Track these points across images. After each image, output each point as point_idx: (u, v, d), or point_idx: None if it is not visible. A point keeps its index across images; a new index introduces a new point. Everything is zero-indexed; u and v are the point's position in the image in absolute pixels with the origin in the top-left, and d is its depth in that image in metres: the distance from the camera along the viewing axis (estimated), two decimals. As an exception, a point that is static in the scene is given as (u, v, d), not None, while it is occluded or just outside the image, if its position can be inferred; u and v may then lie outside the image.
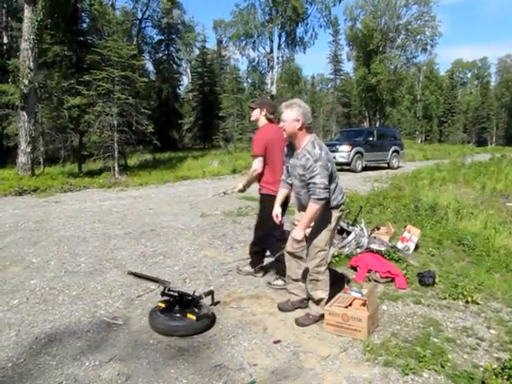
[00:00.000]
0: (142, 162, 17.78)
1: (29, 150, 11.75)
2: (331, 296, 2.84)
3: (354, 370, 2.23)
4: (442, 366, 2.25)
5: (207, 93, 30.11)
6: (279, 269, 3.44)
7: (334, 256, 3.99)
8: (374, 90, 33.07)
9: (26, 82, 11.37)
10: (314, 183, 2.55)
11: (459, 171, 12.23)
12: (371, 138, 15.32)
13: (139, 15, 30.55)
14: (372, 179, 11.22)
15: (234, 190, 3.80)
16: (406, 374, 2.18)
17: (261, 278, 3.64)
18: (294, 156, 2.76)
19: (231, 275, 3.73)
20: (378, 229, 4.83)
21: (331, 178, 2.64)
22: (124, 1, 36.13)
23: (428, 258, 4.27)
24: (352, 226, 4.66)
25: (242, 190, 3.72)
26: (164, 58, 32.20)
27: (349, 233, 4.46)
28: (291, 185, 2.95)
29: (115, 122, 12.59)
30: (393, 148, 15.81)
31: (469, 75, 62.47)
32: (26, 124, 11.65)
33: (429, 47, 34.23)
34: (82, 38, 15.34)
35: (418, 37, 33.71)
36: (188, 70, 38.43)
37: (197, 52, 33.76)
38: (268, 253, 3.72)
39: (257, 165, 3.43)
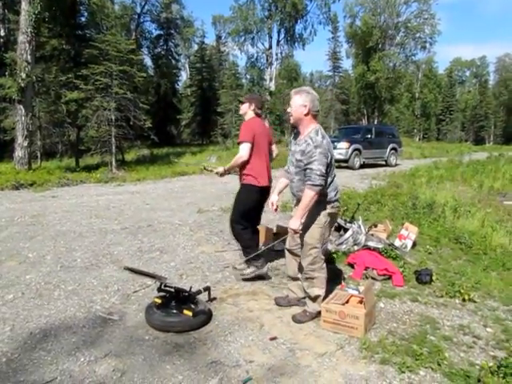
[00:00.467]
0: (140, 158, 17.73)
1: (26, 144, 11.67)
2: (328, 293, 2.83)
3: (350, 367, 2.23)
4: (439, 364, 2.25)
5: (206, 88, 30.05)
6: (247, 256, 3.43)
7: (331, 253, 3.99)
8: (372, 88, 33.04)
9: (24, 75, 11.27)
10: (311, 169, 2.54)
11: (457, 169, 12.26)
12: (369, 136, 15.33)
13: (138, 9, 30.39)
14: (370, 176, 11.23)
15: (213, 170, 3.68)
16: (403, 372, 2.18)
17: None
18: (296, 142, 2.76)
19: (228, 271, 3.71)
20: (376, 226, 4.82)
21: (328, 171, 2.62)
22: (123, -5, 35.80)
23: (425, 256, 4.27)
24: (349, 223, 4.66)
25: (222, 174, 3.59)
26: (162, 53, 32.07)
27: (346, 230, 4.46)
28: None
29: (113, 117, 12.53)
30: (391, 146, 15.84)
31: (467, 74, 62.58)
32: (23, 118, 11.56)
33: (428, 45, 34.26)
34: (80, 32, 15.25)
35: (418, 35, 33.68)
36: (186, 66, 38.25)
37: (195, 47, 33.68)
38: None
39: (244, 151, 3.33)
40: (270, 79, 28.22)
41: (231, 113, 22.79)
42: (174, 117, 29.63)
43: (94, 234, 4.99)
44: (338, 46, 43.94)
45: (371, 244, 4.16)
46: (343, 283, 3.28)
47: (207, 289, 2.95)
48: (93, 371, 2.14)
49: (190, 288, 2.76)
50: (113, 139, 12.74)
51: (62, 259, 4.01)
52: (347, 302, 2.75)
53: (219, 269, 3.78)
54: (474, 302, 3.15)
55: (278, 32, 28.46)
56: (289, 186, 2.93)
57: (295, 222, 2.61)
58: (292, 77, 30.47)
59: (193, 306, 2.65)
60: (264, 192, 3.46)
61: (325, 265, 2.82)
